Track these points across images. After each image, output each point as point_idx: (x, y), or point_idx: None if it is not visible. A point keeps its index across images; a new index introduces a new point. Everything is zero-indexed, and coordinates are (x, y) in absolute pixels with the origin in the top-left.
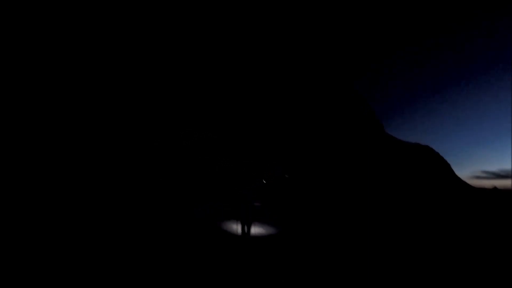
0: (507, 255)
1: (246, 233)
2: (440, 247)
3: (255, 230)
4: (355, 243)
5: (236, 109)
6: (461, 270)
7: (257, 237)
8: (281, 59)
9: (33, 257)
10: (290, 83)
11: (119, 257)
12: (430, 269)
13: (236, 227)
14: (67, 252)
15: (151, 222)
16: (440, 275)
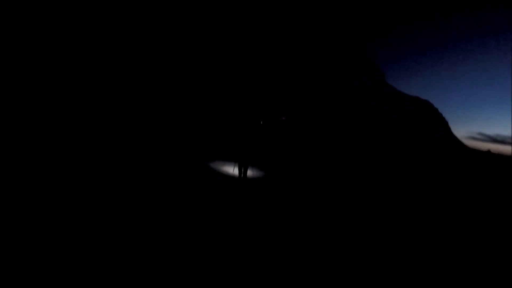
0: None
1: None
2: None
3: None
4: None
5: (232, 108)
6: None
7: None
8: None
9: (27, 255)
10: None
11: (117, 257)
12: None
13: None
14: (62, 252)
15: (151, 222)
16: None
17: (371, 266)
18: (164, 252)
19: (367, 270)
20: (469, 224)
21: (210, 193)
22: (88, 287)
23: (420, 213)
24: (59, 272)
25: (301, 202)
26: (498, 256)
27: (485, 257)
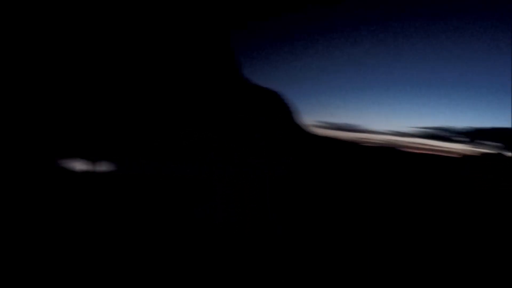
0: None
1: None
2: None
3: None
4: None
5: None
6: None
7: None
8: None
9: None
10: None
11: (117, 257)
12: None
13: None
14: (62, 252)
15: (151, 222)
16: None
17: (371, 266)
18: (164, 252)
19: (367, 270)
20: (469, 224)
21: (210, 193)
22: (88, 287)
23: (420, 213)
24: (59, 272)
25: (301, 202)
26: (498, 256)
27: (485, 256)
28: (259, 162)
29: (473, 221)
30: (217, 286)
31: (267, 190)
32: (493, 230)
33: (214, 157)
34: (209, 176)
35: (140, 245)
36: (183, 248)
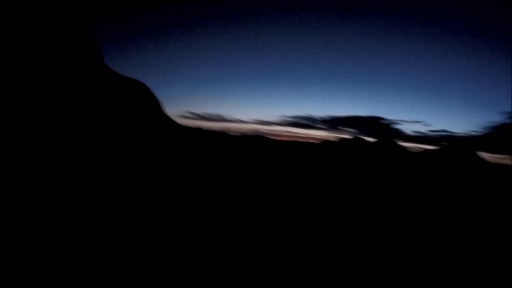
0: None
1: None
2: None
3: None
4: None
5: None
6: None
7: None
8: None
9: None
10: None
11: (118, 257)
12: None
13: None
14: (63, 251)
15: (152, 222)
16: None
17: (371, 266)
18: (164, 251)
19: (367, 270)
20: (469, 224)
21: (210, 193)
22: (89, 286)
23: (420, 213)
24: (59, 272)
25: (300, 202)
26: (498, 256)
27: (485, 256)
28: (259, 162)
29: (473, 221)
30: (217, 286)
31: (267, 190)
32: (493, 230)
33: (214, 157)
34: (209, 176)
35: (140, 244)
36: (183, 248)
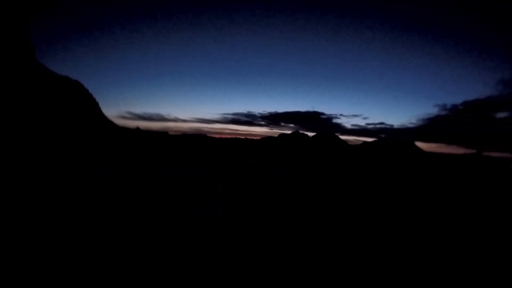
0: None
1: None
2: None
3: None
4: None
5: None
6: None
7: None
8: None
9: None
10: None
11: (118, 257)
12: None
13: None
14: (63, 251)
15: (152, 222)
16: None
17: (371, 266)
18: (164, 251)
19: (367, 270)
20: (469, 224)
21: (210, 193)
22: (89, 286)
23: (420, 213)
24: (59, 271)
25: (301, 202)
26: (498, 256)
27: (485, 256)
28: (259, 162)
29: (473, 221)
30: (217, 286)
31: (267, 190)
32: (493, 230)
33: (214, 157)
34: (209, 176)
35: (140, 244)
36: (183, 247)
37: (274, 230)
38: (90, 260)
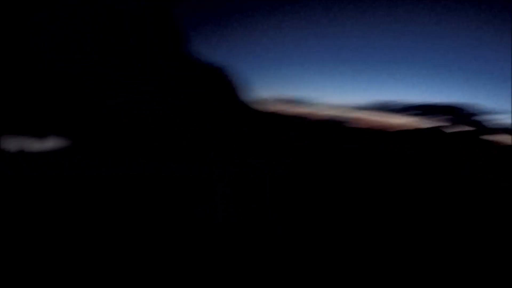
0: None
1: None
2: None
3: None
4: None
5: None
6: None
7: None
8: None
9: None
10: None
11: (116, 257)
12: None
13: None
14: (61, 252)
15: (151, 221)
16: None
17: (371, 266)
18: (164, 252)
19: (367, 270)
20: (469, 224)
21: (210, 193)
22: (88, 287)
23: (421, 213)
24: (59, 271)
25: (301, 202)
26: (498, 256)
27: (485, 257)
28: (259, 162)
29: (473, 221)
30: (217, 286)
31: (267, 190)
32: (493, 230)
33: (214, 157)
34: (209, 176)
35: (140, 244)
36: (183, 248)
37: (274, 230)
38: (90, 260)
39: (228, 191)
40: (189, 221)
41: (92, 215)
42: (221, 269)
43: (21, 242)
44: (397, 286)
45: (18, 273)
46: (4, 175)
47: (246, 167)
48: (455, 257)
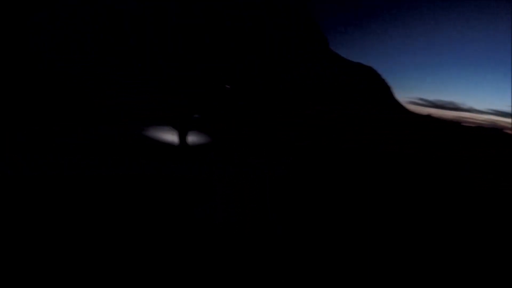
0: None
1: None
2: None
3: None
4: None
5: None
6: None
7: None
8: None
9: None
10: None
11: (116, 257)
12: None
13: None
14: (60, 252)
15: (150, 221)
16: None
17: (371, 266)
18: (163, 252)
19: (367, 270)
20: (469, 224)
21: (210, 193)
22: (88, 287)
23: (421, 214)
24: (59, 271)
25: (301, 202)
26: (499, 256)
27: (485, 257)
28: (259, 162)
29: (473, 221)
30: (217, 286)
31: (267, 190)
32: (493, 230)
33: (214, 157)
34: (209, 176)
35: (140, 245)
36: (183, 247)
37: (274, 230)
38: (90, 261)
39: (228, 191)
40: (189, 221)
41: (92, 215)
42: (221, 269)
43: (21, 242)
44: (397, 286)
45: (18, 273)
46: (4, 175)
47: (246, 167)
48: (455, 257)
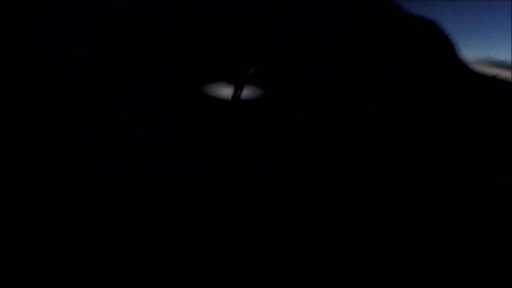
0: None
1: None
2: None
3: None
4: None
5: None
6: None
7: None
8: None
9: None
10: None
11: (116, 257)
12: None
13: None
14: (60, 252)
15: (150, 221)
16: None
17: (371, 266)
18: (163, 252)
19: (367, 270)
20: (469, 224)
21: (210, 193)
22: (88, 287)
23: (421, 214)
24: (59, 271)
25: (301, 202)
26: (499, 257)
27: (485, 257)
28: (259, 162)
29: (473, 221)
30: (217, 286)
31: (267, 190)
32: (493, 230)
33: (214, 157)
34: (209, 176)
35: (140, 245)
36: (183, 248)
37: (274, 230)
38: (90, 261)
39: (228, 191)
40: (189, 221)
41: (92, 215)
42: (221, 269)
43: (21, 242)
44: (397, 286)
45: (18, 273)
46: (4, 175)
47: (246, 167)
48: (455, 257)
